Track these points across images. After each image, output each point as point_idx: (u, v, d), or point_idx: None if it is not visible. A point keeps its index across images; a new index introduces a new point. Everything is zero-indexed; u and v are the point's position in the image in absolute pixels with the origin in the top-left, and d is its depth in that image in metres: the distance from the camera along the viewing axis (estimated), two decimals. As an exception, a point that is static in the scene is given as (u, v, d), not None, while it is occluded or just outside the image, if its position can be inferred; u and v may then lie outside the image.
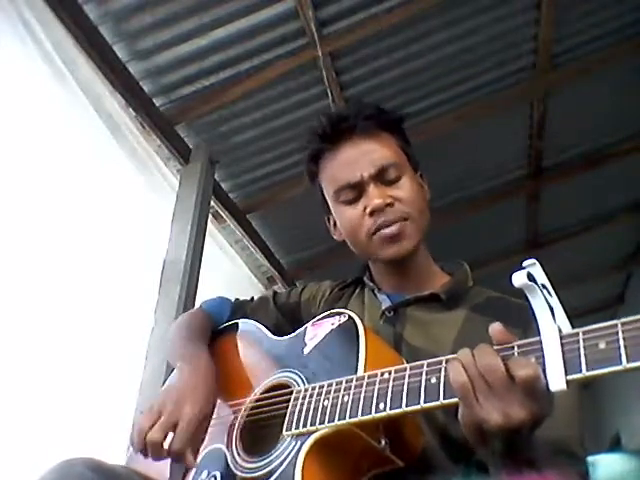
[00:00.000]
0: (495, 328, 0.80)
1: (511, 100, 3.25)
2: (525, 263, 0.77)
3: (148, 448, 0.98)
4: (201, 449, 1.06)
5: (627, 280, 5.78)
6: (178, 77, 2.61)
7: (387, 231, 1.16)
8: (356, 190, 1.19)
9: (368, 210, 1.16)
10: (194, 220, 2.62)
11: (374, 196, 1.16)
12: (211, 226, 3.02)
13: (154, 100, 2.63)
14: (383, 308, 1.20)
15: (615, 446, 6.13)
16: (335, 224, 1.29)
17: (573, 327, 0.75)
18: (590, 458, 1.08)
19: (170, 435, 0.97)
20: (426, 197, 1.26)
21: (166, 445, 0.97)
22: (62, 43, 2.16)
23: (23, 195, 2.03)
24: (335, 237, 1.31)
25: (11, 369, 1.87)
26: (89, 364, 2.17)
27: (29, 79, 2.08)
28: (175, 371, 1.14)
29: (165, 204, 2.72)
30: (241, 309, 1.38)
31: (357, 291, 1.31)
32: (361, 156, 1.19)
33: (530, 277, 0.75)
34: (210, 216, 2.93)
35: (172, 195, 2.75)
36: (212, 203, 2.94)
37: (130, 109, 2.50)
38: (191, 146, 2.84)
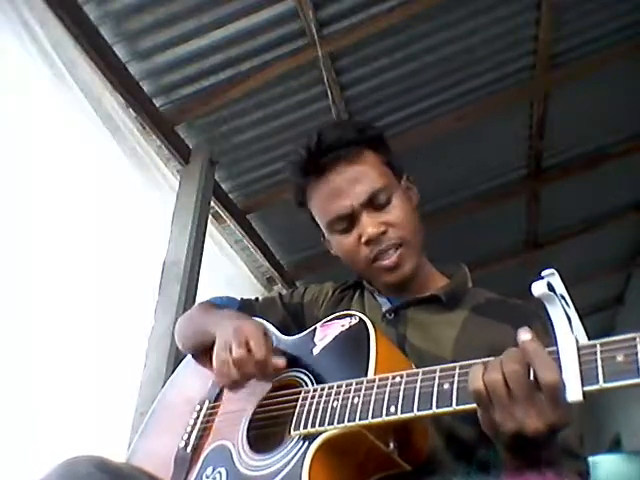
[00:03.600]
0: (522, 334, 0.79)
1: (511, 100, 3.25)
2: (544, 273, 0.77)
3: (235, 368, 1.01)
4: (207, 445, 1.07)
5: (627, 280, 5.79)
6: (178, 77, 2.60)
7: (385, 262, 1.15)
8: (348, 219, 1.16)
9: (363, 240, 1.14)
10: (194, 220, 2.62)
11: (367, 225, 1.14)
12: (211, 226, 3.01)
13: (154, 100, 2.62)
14: (384, 310, 1.19)
15: (615, 446, 6.14)
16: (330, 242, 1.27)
17: (589, 339, 0.75)
18: (590, 458, 1.08)
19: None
20: (416, 210, 1.23)
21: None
22: (62, 43, 2.16)
23: (23, 196, 2.03)
24: (332, 252, 1.28)
25: (12, 369, 1.87)
26: (89, 363, 2.17)
27: (29, 79, 2.08)
28: (215, 332, 1.13)
29: (165, 204, 2.71)
30: (249, 307, 1.36)
31: (357, 294, 1.31)
32: (348, 185, 1.15)
33: (549, 287, 0.75)
34: (210, 216, 2.93)
35: (172, 195, 2.75)
36: (212, 203, 2.93)
37: (130, 109, 2.50)
38: (191, 146, 2.83)
